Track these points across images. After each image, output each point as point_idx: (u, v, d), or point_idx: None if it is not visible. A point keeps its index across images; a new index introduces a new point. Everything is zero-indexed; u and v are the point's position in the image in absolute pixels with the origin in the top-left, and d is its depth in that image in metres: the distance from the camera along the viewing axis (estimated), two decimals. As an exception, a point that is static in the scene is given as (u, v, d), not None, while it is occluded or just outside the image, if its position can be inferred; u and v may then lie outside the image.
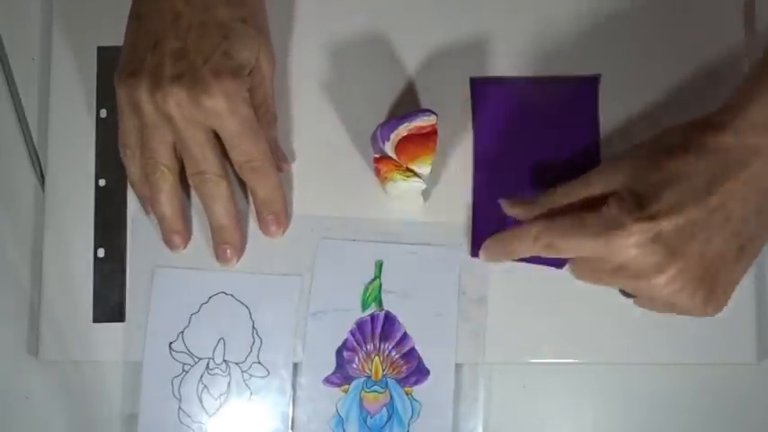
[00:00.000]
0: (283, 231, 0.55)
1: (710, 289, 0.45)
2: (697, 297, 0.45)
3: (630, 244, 0.44)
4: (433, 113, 0.51)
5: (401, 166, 0.51)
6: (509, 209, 0.51)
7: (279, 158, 0.55)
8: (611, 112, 0.56)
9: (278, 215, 0.54)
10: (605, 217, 0.44)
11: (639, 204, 0.44)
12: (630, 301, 0.52)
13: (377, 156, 0.53)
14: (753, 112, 0.45)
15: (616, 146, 0.55)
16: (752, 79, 0.46)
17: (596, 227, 0.44)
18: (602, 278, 0.47)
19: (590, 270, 0.47)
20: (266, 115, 0.54)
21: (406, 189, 0.52)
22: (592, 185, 0.47)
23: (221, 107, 0.49)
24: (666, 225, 0.43)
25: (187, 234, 0.55)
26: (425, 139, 0.51)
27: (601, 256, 0.45)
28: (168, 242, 0.54)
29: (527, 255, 0.49)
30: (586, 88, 0.56)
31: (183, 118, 0.49)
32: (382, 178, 0.52)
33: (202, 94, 0.49)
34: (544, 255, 0.47)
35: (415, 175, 0.51)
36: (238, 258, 0.55)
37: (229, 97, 0.49)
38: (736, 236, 0.44)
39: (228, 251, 0.54)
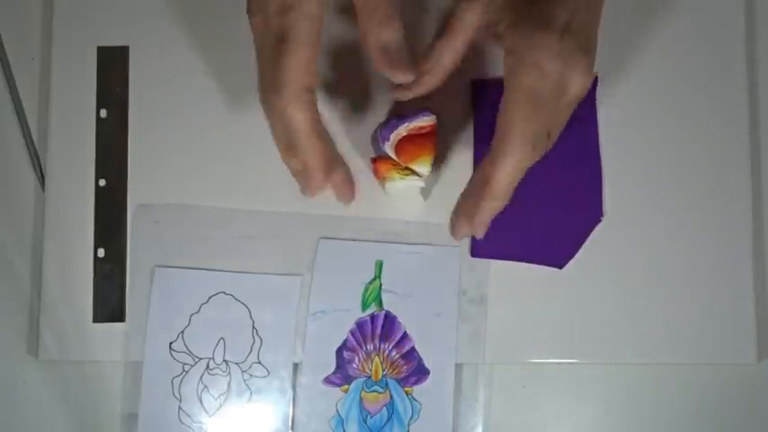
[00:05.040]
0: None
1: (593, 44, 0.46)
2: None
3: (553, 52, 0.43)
4: (433, 113, 0.51)
5: (399, 166, 0.51)
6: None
7: (398, 64, 0.49)
8: (611, 112, 0.56)
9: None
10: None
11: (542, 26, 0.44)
12: (630, 300, 0.52)
13: (376, 156, 0.53)
14: None
15: (615, 144, 0.55)
16: None
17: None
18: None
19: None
20: (374, 16, 0.49)
21: (405, 188, 0.52)
22: (467, 24, 0.48)
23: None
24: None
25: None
26: (425, 139, 0.51)
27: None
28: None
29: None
30: (586, 88, 0.56)
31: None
32: (381, 178, 0.52)
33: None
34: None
35: (413, 173, 0.51)
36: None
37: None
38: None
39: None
